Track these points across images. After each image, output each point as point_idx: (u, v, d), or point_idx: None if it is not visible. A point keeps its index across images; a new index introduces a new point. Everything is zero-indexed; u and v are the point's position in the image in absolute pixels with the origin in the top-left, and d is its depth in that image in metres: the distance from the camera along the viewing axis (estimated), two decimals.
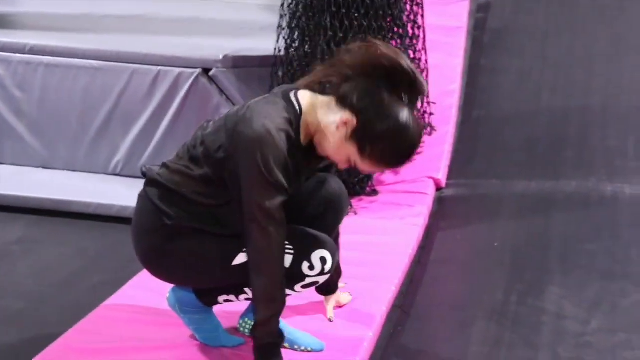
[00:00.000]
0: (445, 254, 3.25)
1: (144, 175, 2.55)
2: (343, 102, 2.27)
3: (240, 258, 2.38)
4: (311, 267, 2.38)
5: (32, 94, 4.31)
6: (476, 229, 3.67)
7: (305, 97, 2.34)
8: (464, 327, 2.88)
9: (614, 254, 3.44)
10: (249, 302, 2.56)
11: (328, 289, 2.72)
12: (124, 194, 4.05)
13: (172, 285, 2.55)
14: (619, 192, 3.91)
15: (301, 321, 2.69)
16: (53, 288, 3.24)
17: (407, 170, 4.10)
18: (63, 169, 4.33)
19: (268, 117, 2.27)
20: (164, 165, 2.53)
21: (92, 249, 3.64)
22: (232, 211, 2.34)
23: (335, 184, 2.56)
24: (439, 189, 4.04)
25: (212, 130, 2.42)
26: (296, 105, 2.32)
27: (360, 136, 2.26)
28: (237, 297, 2.50)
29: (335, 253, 2.43)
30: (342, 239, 2.77)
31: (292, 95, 2.35)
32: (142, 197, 2.51)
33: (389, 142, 2.26)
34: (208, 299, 2.53)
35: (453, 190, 4.02)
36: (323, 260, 2.39)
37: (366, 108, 2.24)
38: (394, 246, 3.35)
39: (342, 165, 2.35)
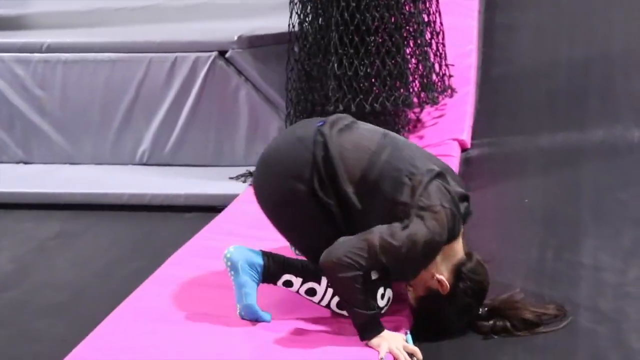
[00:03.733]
0: (476, 215, 3.25)
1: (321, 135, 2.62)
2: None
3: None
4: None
5: (53, 92, 4.35)
6: (505, 187, 3.66)
7: None
8: (502, 287, 2.88)
9: None
10: (303, 296, 2.66)
11: None
12: (153, 182, 4.10)
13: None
14: None
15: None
16: (92, 279, 3.30)
17: (431, 133, 4.13)
18: (90, 164, 4.37)
19: None
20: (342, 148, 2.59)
21: (127, 238, 3.69)
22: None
23: None
24: (464, 150, 4.04)
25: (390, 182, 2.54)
26: None
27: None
28: (302, 282, 2.62)
29: None
30: None
31: None
32: (308, 146, 2.60)
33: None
34: (272, 275, 2.64)
35: (478, 150, 4.01)
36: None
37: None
38: None
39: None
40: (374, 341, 2.49)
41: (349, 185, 2.56)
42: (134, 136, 4.33)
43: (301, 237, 2.68)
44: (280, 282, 2.66)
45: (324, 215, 2.58)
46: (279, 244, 2.86)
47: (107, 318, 2.68)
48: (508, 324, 2.61)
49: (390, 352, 2.47)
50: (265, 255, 2.67)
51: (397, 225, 2.48)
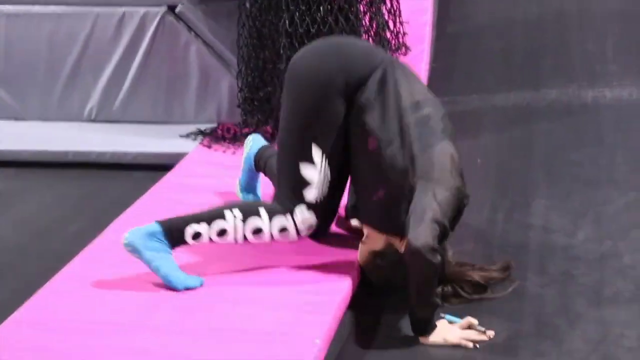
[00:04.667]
0: None
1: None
2: None
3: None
4: None
5: None
6: (459, 147, 3.62)
7: None
8: (451, 247, 2.86)
9: (598, 160, 3.41)
10: (218, 242, 2.60)
11: None
12: (100, 139, 4.00)
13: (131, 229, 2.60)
14: (599, 97, 3.86)
15: None
16: (33, 239, 3.21)
17: None
18: (36, 120, 4.26)
19: None
20: None
21: (72, 197, 3.60)
22: None
23: None
24: None
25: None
26: None
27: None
28: (209, 226, 2.56)
29: None
30: None
31: None
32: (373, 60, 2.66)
33: None
34: (177, 234, 2.57)
35: None
36: None
37: None
38: None
39: None
40: (433, 337, 2.41)
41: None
42: (81, 92, 4.21)
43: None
44: (189, 238, 2.59)
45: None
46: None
47: (45, 286, 2.60)
48: (458, 289, 2.59)
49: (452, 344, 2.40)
50: (161, 221, 2.60)
51: (430, 201, 2.42)
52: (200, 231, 2.59)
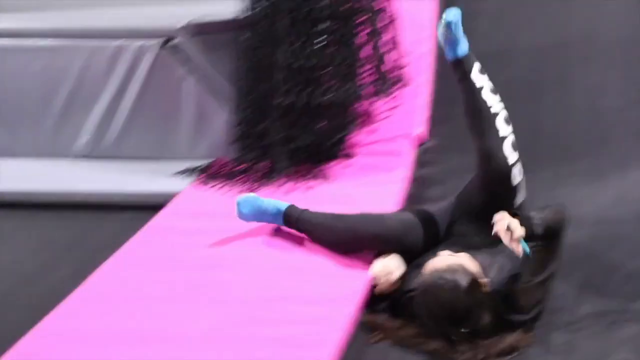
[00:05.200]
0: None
1: None
2: None
3: None
4: None
5: None
6: (462, 179, 3.50)
7: None
8: None
9: None
10: None
11: None
12: (90, 178, 3.89)
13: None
14: None
15: None
16: (16, 285, 3.07)
17: (385, 126, 3.96)
18: (29, 156, 4.15)
19: None
20: None
21: (58, 240, 3.46)
22: None
23: None
24: (421, 143, 3.88)
25: None
26: None
27: None
28: None
29: None
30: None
31: None
32: None
33: None
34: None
35: (436, 140, 3.84)
36: None
37: None
38: None
39: None
40: None
41: None
42: (74, 128, 4.11)
43: None
44: None
45: None
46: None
47: (22, 340, 2.48)
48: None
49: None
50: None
51: None
52: None
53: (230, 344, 2.44)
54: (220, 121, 4.00)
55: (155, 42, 3.96)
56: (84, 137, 4.08)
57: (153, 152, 4.07)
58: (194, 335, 2.48)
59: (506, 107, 3.02)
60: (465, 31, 3.91)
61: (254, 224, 3.15)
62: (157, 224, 3.32)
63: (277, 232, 3.10)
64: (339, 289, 2.68)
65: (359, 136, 3.91)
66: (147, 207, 3.58)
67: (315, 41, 3.53)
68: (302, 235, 3.02)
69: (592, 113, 3.92)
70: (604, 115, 3.91)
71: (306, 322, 2.51)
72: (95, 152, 4.11)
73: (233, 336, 2.48)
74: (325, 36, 3.54)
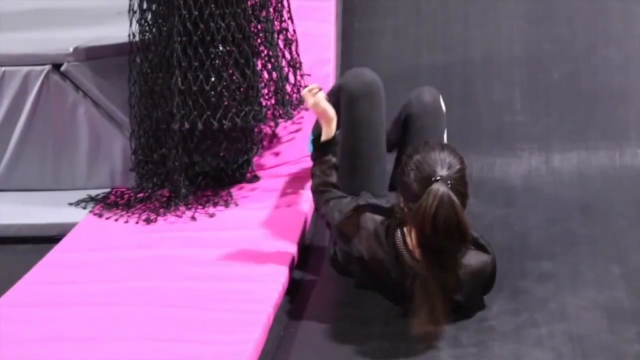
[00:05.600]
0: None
1: None
2: None
3: None
4: None
5: None
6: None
7: None
8: (362, 324, 2.66)
9: (512, 226, 3.30)
10: None
11: None
12: None
13: None
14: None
15: None
16: None
17: (288, 149, 3.87)
18: None
19: None
20: None
21: None
22: None
23: None
24: None
25: None
26: None
27: None
28: None
29: None
30: (224, 236, 3.09)
31: None
32: None
33: None
34: None
35: None
36: None
37: None
38: (277, 242, 3.11)
39: None
40: None
41: None
42: None
43: None
44: None
45: None
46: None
47: None
48: None
49: None
50: None
51: None
52: None
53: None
54: (117, 148, 3.84)
55: (43, 68, 3.78)
56: None
57: (47, 183, 3.88)
58: None
59: None
60: (367, 51, 3.92)
61: (157, 253, 3.08)
62: (51, 258, 3.15)
63: (179, 264, 2.99)
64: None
65: (264, 159, 3.82)
66: (45, 239, 3.43)
67: (209, 65, 3.41)
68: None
69: (498, 128, 3.92)
70: (509, 130, 3.91)
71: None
72: None
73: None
74: (218, 60, 3.43)
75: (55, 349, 2.47)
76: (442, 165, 2.50)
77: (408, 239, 2.60)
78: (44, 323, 2.63)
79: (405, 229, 2.62)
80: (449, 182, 2.46)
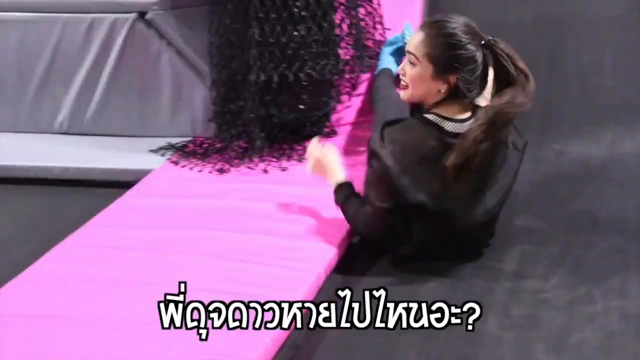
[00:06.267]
0: None
1: None
2: None
3: None
4: None
5: None
6: None
7: None
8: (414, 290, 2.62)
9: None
10: None
11: None
12: (66, 153, 3.79)
13: None
14: None
15: None
16: None
17: (368, 105, 3.82)
18: (8, 131, 4.05)
19: None
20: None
21: (27, 215, 3.37)
22: None
23: None
24: None
25: None
26: None
27: None
28: None
29: None
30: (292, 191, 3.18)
31: None
32: None
33: None
34: None
35: None
36: None
37: None
38: None
39: None
40: None
41: None
42: (52, 103, 4.00)
43: None
44: None
45: None
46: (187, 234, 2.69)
47: None
48: None
49: None
50: None
51: None
52: None
53: None
54: (199, 98, 3.89)
55: (129, 16, 3.84)
56: None
57: (132, 129, 3.95)
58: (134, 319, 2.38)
59: None
60: (456, 9, 3.80)
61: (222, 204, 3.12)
62: (122, 203, 3.23)
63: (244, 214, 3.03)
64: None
65: (342, 114, 3.79)
66: (120, 184, 3.50)
67: (286, 17, 3.39)
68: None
69: (585, 91, 3.76)
70: (597, 94, 3.75)
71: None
72: (73, 129, 4.01)
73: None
74: (296, 12, 3.40)
75: (103, 291, 2.54)
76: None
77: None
78: (102, 265, 2.71)
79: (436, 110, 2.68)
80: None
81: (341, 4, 3.60)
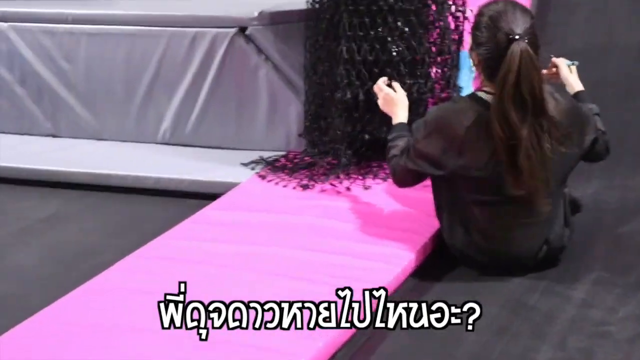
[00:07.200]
0: None
1: None
2: None
3: None
4: None
5: (78, 65, 4.23)
6: None
7: None
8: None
9: None
10: None
11: None
12: (162, 164, 3.91)
13: None
14: None
15: None
16: (56, 267, 3.09)
17: None
18: (115, 140, 4.23)
19: None
20: None
21: (114, 223, 3.49)
22: None
23: None
24: None
25: None
26: None
27: None
28: None
29: None
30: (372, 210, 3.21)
31: None
32: None
33: None
34: None
35: None
36: None
37: None
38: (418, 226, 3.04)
39: None
40: None
41: None
42: (156, 113, 4.15)
43: None
44: None
45: None
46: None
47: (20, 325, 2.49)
48: None
49: None
50: None
51: None
52: None
53: None
54: (293, 113, 3.93)
55: (230, 31, 3.93)
56: None
57: (229, 141, 4.04)
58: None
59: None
60: (561, 25, 3.64)
61: (295, 220, 3.15)
62: (200, 216, 3.30)
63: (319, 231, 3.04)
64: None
65: None
66: (209, 196, 3.57)
67: (373, 36, 3.37)
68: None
69: None
70: None
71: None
72: (174, 139, 4.14)
73: None
74: (388, 29, 3.38)
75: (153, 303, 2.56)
76: (517, 23, 2.63)
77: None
78: (166, 278, 2.75)
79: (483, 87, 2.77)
80: (525, 38, 2.60)
81: (433, 23, 3.55)
